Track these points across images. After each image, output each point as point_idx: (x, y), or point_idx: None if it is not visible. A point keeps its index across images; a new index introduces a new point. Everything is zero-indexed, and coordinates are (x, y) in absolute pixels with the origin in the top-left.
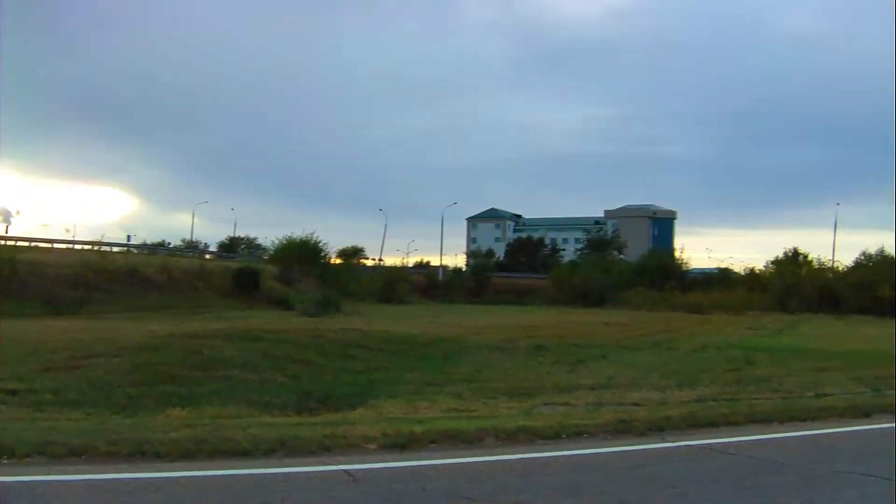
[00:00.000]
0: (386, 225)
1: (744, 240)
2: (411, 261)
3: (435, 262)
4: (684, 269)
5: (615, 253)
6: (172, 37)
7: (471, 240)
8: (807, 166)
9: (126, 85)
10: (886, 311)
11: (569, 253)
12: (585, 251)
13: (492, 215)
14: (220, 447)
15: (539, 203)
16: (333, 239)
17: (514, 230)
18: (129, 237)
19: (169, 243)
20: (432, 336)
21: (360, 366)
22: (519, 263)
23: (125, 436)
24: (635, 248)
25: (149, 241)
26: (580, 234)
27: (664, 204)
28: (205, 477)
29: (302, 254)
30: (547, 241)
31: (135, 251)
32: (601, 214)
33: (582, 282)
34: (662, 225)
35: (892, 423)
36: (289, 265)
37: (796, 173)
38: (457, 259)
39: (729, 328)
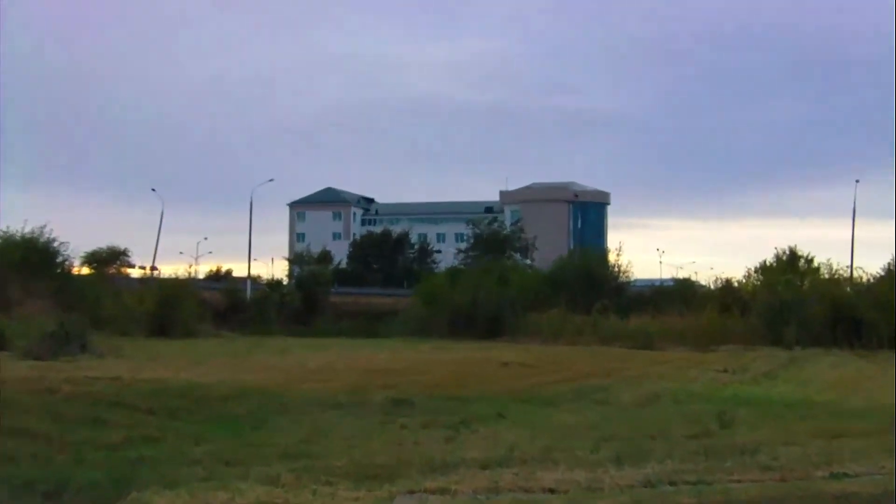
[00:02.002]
0: (163, 214)
1: (712, 235)
2: (203, 270)
3: (241, 271)
4: (623, 279)
5: (517, 256)
6: None
7: (296, 237)
8: (808, 126)
9: None
10: None
11: (447, 256)
12: (472, 253)
13: (328, 199)
14: None
15: (400, 181)
16: (81, 237)
17: (364, 222)
18: None
19: None
20: (235, 387)
21: (118, 436)
22: (370, 272)
23: None
24: (548, 247)
25: None
26: (464, 228)
27: (590, 182)
28: None
29: (25, 260)
30: (413, 238)
31: None
32: (495, 198)
33: (467, 300)
34: (588, 213)
35: None
36: (4, 278)
37: (789, 135)
38: (274, 267)
39: (692, 370)
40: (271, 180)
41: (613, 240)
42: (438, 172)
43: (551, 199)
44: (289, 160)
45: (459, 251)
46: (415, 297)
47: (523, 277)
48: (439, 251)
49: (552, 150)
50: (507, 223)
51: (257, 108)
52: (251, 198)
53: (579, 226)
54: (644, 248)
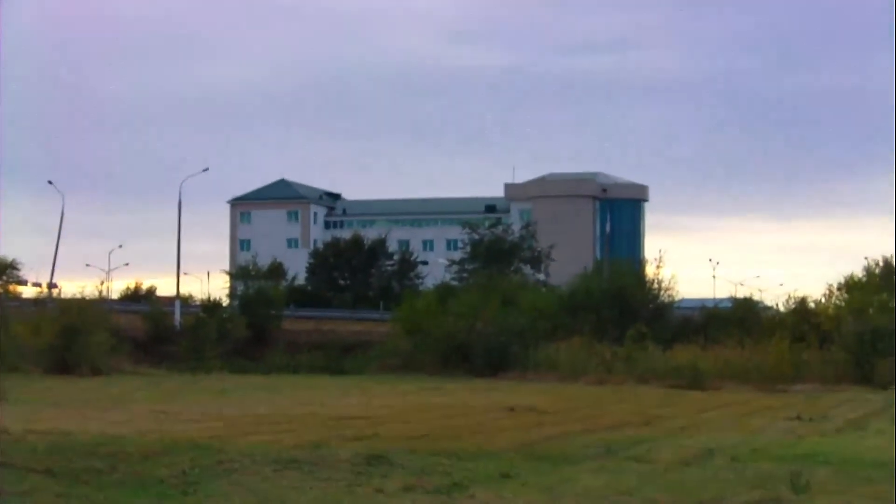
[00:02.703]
0: (63, 214)
1: (781, 241)
2: (118, 287)
3: (167, 289)
4: (666, 299)
5: (527, 269)
6: None
7: (239, 244)
8: None
9: None
10: None
11: (436, 269)
12: (468, 266)
13: (280, 194)
14: None
15: (375, 172)
16: None
17: (328, 224)
18: None
19: None
20: (159, 440)
21: None
22: (336, 290)
23: None
24: (568, 257)
25: None
26: (458, 233)
27: (622, 172)
28: None
29: None
30: (392, 246)
31: None
32: (498, 193)
33: (462, 327)
34: (620, 213)
35: None
36: None
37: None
38: (210, 284)
39: (756, 418)
40: (206, 170)
41: (652, 247)
42: (425, 160)
43: (572, 194)
44: (229, 143)
45: (452, 263)
46: (394, 324)
47: (535, 297)
48: (425, 262)
49: (573, 130)
50: (515, 226)
51: (186, 75)
52: (180, 193)
53: (608, 229)
54: (692, 258)
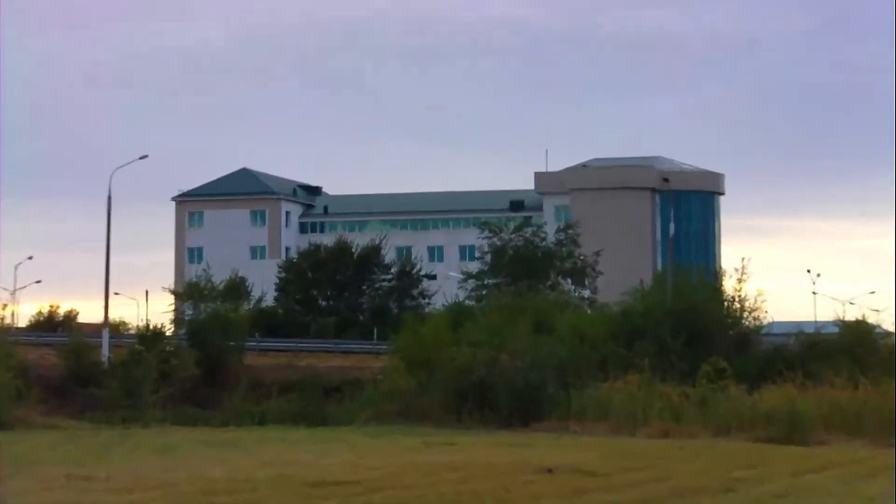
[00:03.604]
0: None
1: None
2: (27, 312)
3: (93, 314)
4: (750, 323)
5: (566, 283)
6: None
7: (187, 254)
8: None
9: None
10: None
11: (447, 286)
12: (489, 280)
13: (242, 189)
14: None
15: (366, 160)
16: None
17: (304, 227)
18: None
19: None
20: None
21: None
22: (315, 312)
23: None
24: (619, 268)
25: None
26: (474, 238)
27: (688, 157)
28: None
29: None
30: (389, 255)
31: None
32: (527, 185)
33: (482, 362)
34: (687, 209)
35: None
36: None
37: None
38: (150, 306)
39: (874, 482)
40: (144, 157)
41: (731, 254)
42: (431, 143)
43: (624, 185)
44: (174, 121)
45: (467, 276)
46: (392, 357)
47: (578, 321)
48: (433, 276)
49: (624, 104)
50: (550, 228)
51: (117, 29)
52: (109, 188)
53: (672, 231)
54: (784, 268)
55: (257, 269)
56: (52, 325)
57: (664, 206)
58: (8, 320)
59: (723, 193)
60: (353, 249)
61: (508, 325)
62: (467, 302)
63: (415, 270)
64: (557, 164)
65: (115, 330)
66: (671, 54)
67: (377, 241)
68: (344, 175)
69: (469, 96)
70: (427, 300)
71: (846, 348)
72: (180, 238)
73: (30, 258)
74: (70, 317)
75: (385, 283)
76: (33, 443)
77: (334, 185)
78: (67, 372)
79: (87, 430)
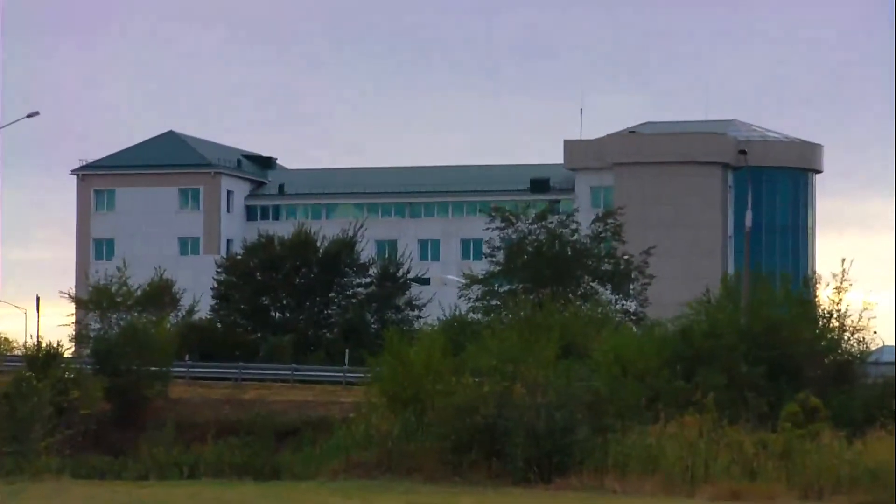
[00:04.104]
0: None
1: None
2: None
3: None
4: (852, 347)
5: (606, 290)
6: None
7: (94, 247)
8: None
9: None
10: None
11: (445, 293)
12: (501, 287)
13: (168, 160)
14: None
15: (334, 121)
16: None
17: (252, 211)
18: None
19: None
20: None
21: None
22: (265, 327)
23: None
24: (677, 272)
25: None
26: (480, 230)
27: (772, 122)
28: None
29: None
30: (367, 251)
31: None
32: (554, 160)
33: (490, 397)
34: (771, 192)
35: None
36: None
37: None
38: (43, 318)
39: None
40: (34, 114)
41: (829, 253)
42: (421, 97)
43: (685, 158)
44: (76, 69)
45: (472, 281)
46: (370, 389)
47: (620, 343)
48: (425, 280)
49: (687, 47)
50: (583, 216)
51: None
52: None
53: (748, 221)
54: None
55: (188, 267)
56: None
57: (740, 187)
58: None
59: (820, 171)
60: (318, 243)
61: (526, 348)
62: (471, 315)
63: (400, 272)
64: (595, 129)
65: None
66: None
67: (350, 232)
68: (305, 142)
69: (476, 32)
70: (417, 312)
71: None
72: (83, 225)
73: None
74: None
75: (361, 290)
76: None
77: (292, 157)
78: None
79: None
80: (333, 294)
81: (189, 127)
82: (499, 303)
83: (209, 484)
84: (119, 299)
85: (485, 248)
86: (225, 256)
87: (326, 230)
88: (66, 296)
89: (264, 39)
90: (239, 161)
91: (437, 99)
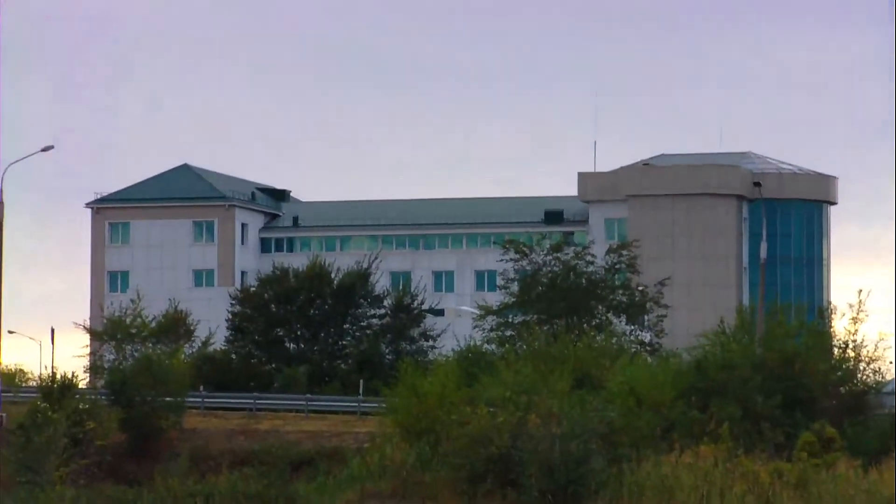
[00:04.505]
0: None
1: None
2: None
3: None
4: (867, 378)
5: (621, 322)
6: None
7: (109, 280)
8: None
9: None
10: None
11: (459, 324)
12: (515, 318)
13: (183, 193)
14: None
15: (348, 156)
16: None
17: (267, 244)
18: None
19: None
20: None
21: None
22: (280, 359)
23: None
24: (693, 303)
25: None
26: (494, 261)
27: (787, 154)
28: None
29: None
30: (381, 283)
31: None
32: (568, 191)
33: (505, 427)
34: (785, 224)
35: None
36: None
37: None
38: (58, 350)
39: None
40: (48, 148)
41: (844, 284)
42: (436, 133)
43: (700, 190)
44: (91, 103)
45: (485, 312)
46: (385, 420)
47: (635, 374)
48: (440, 311)
49: (703, 80)
50: (598, 248)
51: None
52: (0, 188)
53: (764, 253)
54: None
55: (203, 300)
56: None
57: (755, 219)
58: None
59: (835, 203)
60: (333, 275)
61: (541, 379)
62: (485, 347)
63: (415, 303)
64: (609, 161)
65: (10, 381)
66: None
67: (364, 264)
68: (319, 175)
69: (490, 63)
70: (431, 343)
71: None
72: (98, 258)
73: None
74: None
75: (375, 321)
76: None
77: (307, 189)
78: None
79: None
80: (348, 325)
81: (203, 160)
82: (513, 334)
83: None
84: (134, 331)
85: (499, 280)
86: (239, 288)
87: (341, 262)
88: (81, 327)
89: (278, 73)
90: (253, 194)
91: (450, 131)
